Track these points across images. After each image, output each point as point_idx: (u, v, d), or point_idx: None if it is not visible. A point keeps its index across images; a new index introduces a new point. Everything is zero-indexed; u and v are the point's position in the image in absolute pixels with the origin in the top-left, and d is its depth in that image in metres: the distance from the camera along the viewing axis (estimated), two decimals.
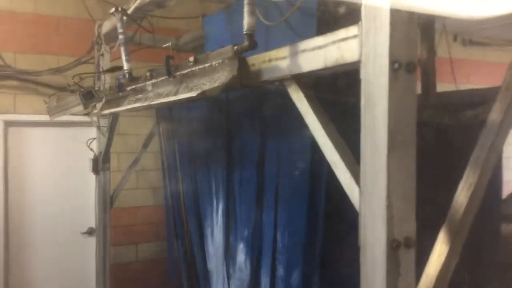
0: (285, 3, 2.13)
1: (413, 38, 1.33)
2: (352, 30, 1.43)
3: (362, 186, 1.41)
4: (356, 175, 1.45)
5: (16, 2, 4.64)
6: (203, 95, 1.93)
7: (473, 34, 6.14)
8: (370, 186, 1.37)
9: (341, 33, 1.48)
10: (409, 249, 1.32)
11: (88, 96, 2.96)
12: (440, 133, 2.70)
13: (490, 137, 1.53)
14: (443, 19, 3.45)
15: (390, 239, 1.31)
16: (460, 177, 1.58)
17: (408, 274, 1.34)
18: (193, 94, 1.95)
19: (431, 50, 3.17)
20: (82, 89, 3.07)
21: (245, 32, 1.71)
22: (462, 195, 1.52)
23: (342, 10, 1.96)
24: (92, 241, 4.67)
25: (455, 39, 6.01)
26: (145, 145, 4.54)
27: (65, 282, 4.89)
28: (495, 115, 1.55)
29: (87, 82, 3.84)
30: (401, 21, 1.31)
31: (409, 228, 1.33)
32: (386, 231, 1.30)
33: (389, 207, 1.30)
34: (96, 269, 4.38)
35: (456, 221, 1.52)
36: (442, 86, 3.38)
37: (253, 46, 1.72)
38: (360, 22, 1.39)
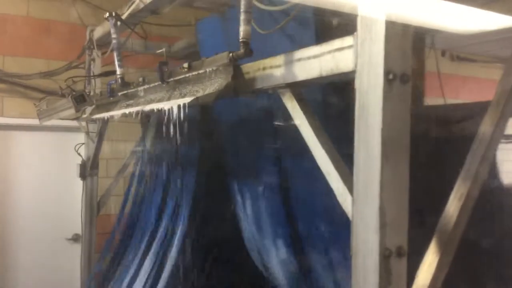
0: (281, 13, 2.14)
1: (407, 50, 1.35)
2: (347, 40, 1.45)
3: (355, 195, 1.41)
4: (349, 184, 1.46)
5: (8, 5, 4.61)
6: (196, 102, 1.92)
7: (461, 50, 6.24)
8: (363, 195, 1.38)
9: (337, 43, 1.49)
10: (400, 258, 1.33)
11: (80, 100, 2.94)
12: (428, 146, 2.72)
13: (481, 149, 1.55)
14: (433, 35, 3.51)
15: (382, 248, 1.31)
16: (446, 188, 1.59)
17: (399, 284, 1.35)
18: (186, 100, 1.95)
19: (420, 63, 3.21)
20: (74, 93, 3.05)
21: (241, 40, 1.71)
22: (453, 206, 1.54)
23: (336, 20, 1.98)
24: (77, 247, 4.62)
25: (443, 54, 6.09)
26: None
27: None
28: (485, 127, 1.57)
29: (77, 88, 3.82)
30: (396, 33, 1.33)
31: (401, 237, 1.34)
32: (379, 240, 1.31)
33: (382, 216, 1.31)
34: (81, 276, 4.32)
35: (447, 231, 1.53)
36: (432, 100, 3.42)
37: (249, 54, 1.72)
38: (355, 33, 1.41)
